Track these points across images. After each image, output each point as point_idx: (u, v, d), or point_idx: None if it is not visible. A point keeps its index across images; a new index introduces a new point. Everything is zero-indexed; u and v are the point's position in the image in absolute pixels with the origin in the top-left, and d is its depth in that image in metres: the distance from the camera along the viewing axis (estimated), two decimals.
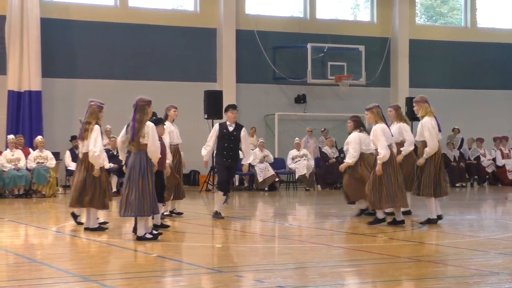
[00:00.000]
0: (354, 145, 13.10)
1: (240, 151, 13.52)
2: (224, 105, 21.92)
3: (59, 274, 7.86)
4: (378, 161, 11.63)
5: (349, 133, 13.43)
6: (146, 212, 10.07)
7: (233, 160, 13.06)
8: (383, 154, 11.58)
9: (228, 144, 12.97)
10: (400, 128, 13.24)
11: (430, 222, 12.06)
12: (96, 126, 11.17)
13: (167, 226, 11.56)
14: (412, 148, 13.17)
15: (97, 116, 11.27)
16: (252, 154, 13.67)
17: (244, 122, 16.16)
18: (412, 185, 13.23)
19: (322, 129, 23.43)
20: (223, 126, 13.09)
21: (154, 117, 10.84)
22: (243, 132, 13.09)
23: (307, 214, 14.49)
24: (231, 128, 13.03)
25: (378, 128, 11.71)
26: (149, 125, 10.12)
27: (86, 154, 11.22)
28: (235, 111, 13.20)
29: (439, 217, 12.23)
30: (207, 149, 13.21)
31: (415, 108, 12.24)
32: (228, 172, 13.04)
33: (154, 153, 10.12)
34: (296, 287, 7.19)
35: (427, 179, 11.91)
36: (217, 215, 12.99)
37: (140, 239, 10.13)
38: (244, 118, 20.56)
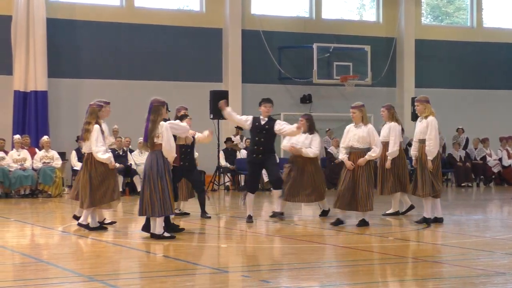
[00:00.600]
0: (319, 145, 13.50)
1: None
2: (230, 105, 22.11)
3: (65, 274, 7.88)
4: (367, 157, 11.73)
5: (304, 132, 13.42)
6: (168, 211, 10.24)
7: (264, 155, 12.57)
8: (378, 153, 11.82)
9: (259, 138, 12.60)
10: (390, 128, 13.33)
11: (426, 221, 12.08)
12: (96, 126, 11.18)
13: (182, 230, 11.38)
14: (396, 148, 13.26)
15: (97, 116, 11.29)
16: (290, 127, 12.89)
17: None
18: (407, 186, 13.28)
19: (327, 129, 23.41)
20: (256, 119, 12.75)
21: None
22: (277, 125, 12.65)
23: (312, 214, 14.46)
24: (263, 122, 12.69)
25: (372, 127, 11.98)
26: (163, 125, 10.18)
27: (89, 154, 11.25)
28: (268, 104, 12.74)
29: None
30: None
31: (418, 107, 12.22)
32: (258, 169, 12.77)
33: (169, 152, 10.22)
34: (302, 287, 7.19)
35: (432, 178, 11.91)
36: (278, 215, 12.90)
37: (159, 237, 10.16)
38: None
